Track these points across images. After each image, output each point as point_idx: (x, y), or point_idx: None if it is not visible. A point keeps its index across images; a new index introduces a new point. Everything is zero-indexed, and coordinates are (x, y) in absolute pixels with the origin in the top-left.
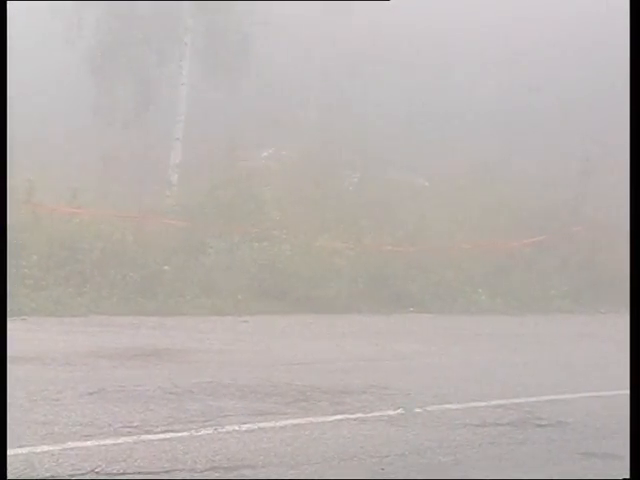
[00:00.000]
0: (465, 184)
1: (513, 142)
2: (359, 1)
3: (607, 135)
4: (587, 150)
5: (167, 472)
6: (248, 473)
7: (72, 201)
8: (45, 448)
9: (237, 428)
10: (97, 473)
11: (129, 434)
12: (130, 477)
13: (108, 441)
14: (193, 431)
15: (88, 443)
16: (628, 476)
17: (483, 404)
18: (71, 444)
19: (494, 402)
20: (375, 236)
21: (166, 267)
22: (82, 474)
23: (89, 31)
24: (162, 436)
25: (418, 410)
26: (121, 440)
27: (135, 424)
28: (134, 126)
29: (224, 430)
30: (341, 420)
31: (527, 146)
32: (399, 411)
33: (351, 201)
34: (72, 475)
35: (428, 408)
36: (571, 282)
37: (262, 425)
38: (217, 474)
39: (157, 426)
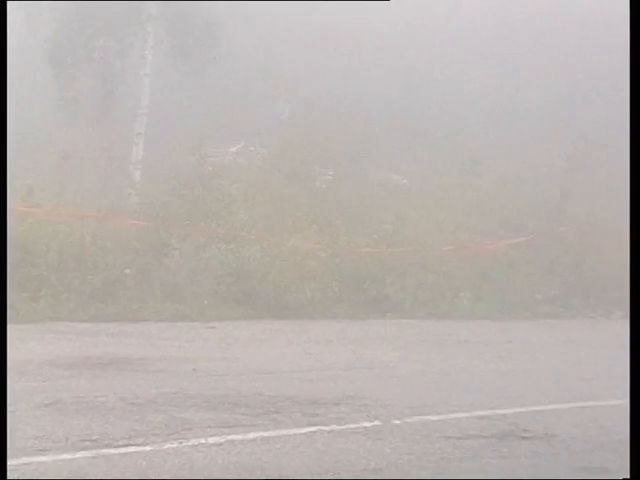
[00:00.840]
0: (446, 182)
1: (496, 139)
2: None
3: (593, 132)
4: (572, 147)
5: None
6: None
7: (27, 199)
8: None
9: (203, 441)
10: None
11: (87, 448)
12: None
13: (65, 456)
14: (156, 445)
15: (44, 458)
16: (628, 476)
17: (465, 415)
18: (26, 459)
19: (477, 413)
20: (350, 237)
21: (127, 270)
22: None
23: (46, 20)
24: (123, 450)
25: (396, 422)
26: (79, 455)
27: (94, 437)
28: (94, 120)
29: (189, 443)
30: (314, 432)
31: (511, 143)
32: (376, 423)
33: (325, 200)
34: None
35: (407, 419)
36: (558, 285)
37: (230, 438)
38: None
39: (117, 440)
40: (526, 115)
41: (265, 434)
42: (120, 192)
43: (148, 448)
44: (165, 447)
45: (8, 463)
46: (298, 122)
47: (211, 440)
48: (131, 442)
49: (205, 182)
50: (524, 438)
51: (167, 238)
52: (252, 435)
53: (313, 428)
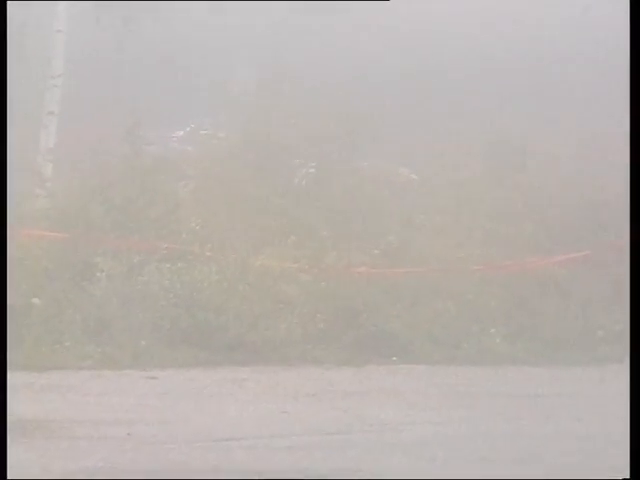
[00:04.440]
0: (469, 177)
1: (536, 116)
2: None
3: None
4: None
5: None
6: None
7: None
8: None
9: None
10: None
11: None
12: None
13: None
14: None
15: None
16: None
17: None
18: None
19: None
20: (341, 253)
21: (36, 299)
22: None
23: None
24: None
25: None
26: None
27: None
28: None
29: None
30: None
31: (557, 121)
32: None
33: (305, 202)
34: None
35: None
36: (626, 318)
37: None
38: None
39: None
40: (576, 84)
41: None
42: (25, 192)
43: None
44: None
45: None
46: (268, 95)
47: None
48: None
49: (141, 179)
50: None
51: (90, 255)
52: None
53: None
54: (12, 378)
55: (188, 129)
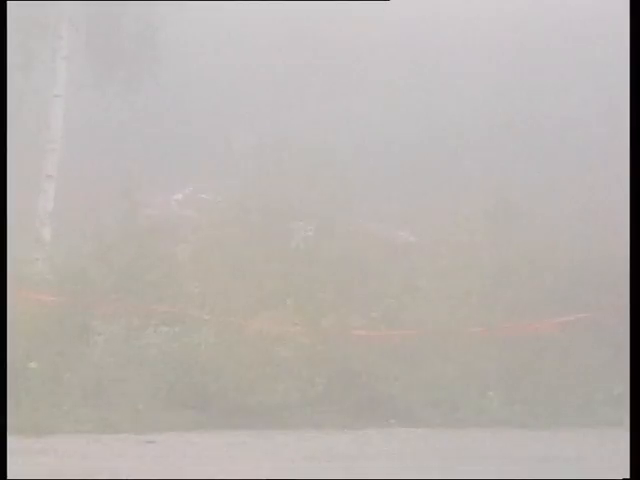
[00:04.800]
0: (468, 239)
1: (538, 178)
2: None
3: None
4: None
5: None
6: None
7: None
8: None
9: None
10: None
11: None
12: None
13: None
14: None
15: None
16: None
17: None
18: None
19: None
20: (339, 315)
21: (33, 364)
22: None
23: None
24: None
25: None
26: None
27: None
28: None
29: None
30: None
31: (558, 184)
32: None
33: (303, 264)
34: None
35: None
36: (626, 381)
37: None
38: None
39: None
40: (577, 140)
41: None
42: (23, 256)
43: None
44: None
45: None
46: (267, 159)
47: None
48: None
49: (139, 242)
50: None
51: (88, 319)
52: None
53: None
54: (9, 442)
55: (186, 192)
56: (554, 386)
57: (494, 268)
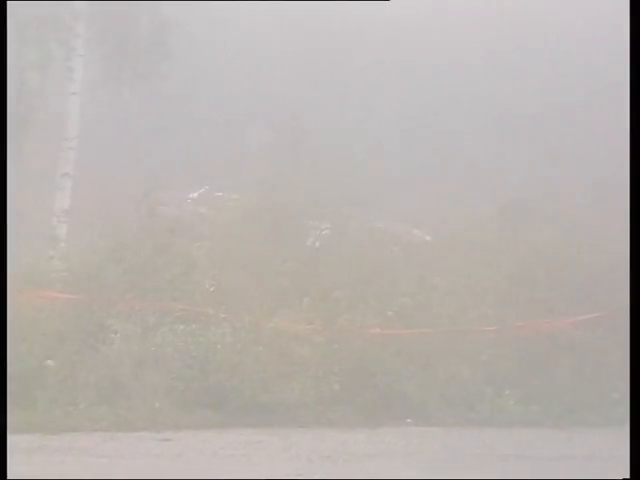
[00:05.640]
0: (484, 237)
1: (552, 176)
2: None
3: None
4: None
5: None
6: None
7: None
8: None
9: None
10: None
11: None
12: None
13: None
14: None
15: None
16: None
17: None
18: None
19: None
20: (355, 314)
21: (50, 361)
22: None
23: None
24: None
25: None
26: None
27: None
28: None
29: None
30: None
31: (574, 177)
32: None
33: (319, 263)
34: None
35: None
36: None
37: None
38: None
39: None
40: (597, 137)
41: None
42: (39, 254)
43: None
44: None
45: None
46: (282, 157)
47: None
48: None
49: (155, 240)
50: None
51: (104, 317)
52: None
53: None
54: (26, 440)
55: (202, 191)
56: (570, 385)
57: (509, 266)
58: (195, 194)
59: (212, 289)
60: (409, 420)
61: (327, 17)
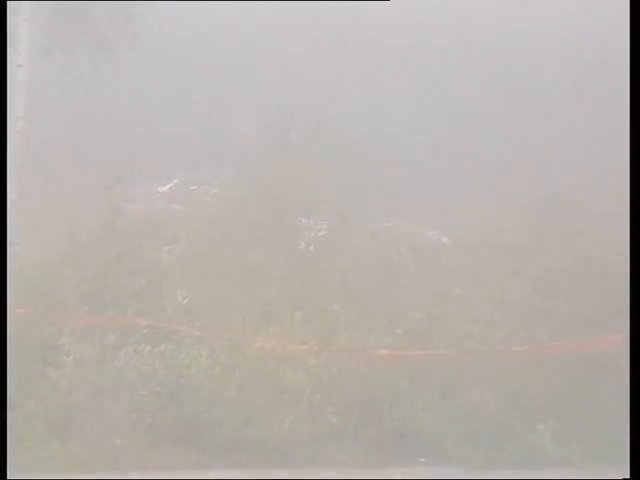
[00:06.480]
0: (511, 240)
1: (591, 167)
2: None
3: None
4: None
5: None
6: None
7: None
8: None
9: None
10: None
11: None
12: None
13: None
14: None
15: None
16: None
17: None
18: None
19: None
20: (357, 332)
21: None
22: None
23: None
24: None
25: None
26: None
27: None
28: None
29: None
30: None
31: (616, 174)
32: None
33: (314, 271)
34: None
35: None
36: None
37: None
38: None
39: None
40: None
41: None
42: None
43: None
44: None
45: None
46: (270, 145)
47: None
48: None
49: (119, 243)
50: None
51: (55, 336)
52: None
53: None
54: None
55: (175, 182)
56: (618, 417)
57: (541, 275)
58: (165, 187)
59: (185, 302)
60: (422, 459)
61: None
